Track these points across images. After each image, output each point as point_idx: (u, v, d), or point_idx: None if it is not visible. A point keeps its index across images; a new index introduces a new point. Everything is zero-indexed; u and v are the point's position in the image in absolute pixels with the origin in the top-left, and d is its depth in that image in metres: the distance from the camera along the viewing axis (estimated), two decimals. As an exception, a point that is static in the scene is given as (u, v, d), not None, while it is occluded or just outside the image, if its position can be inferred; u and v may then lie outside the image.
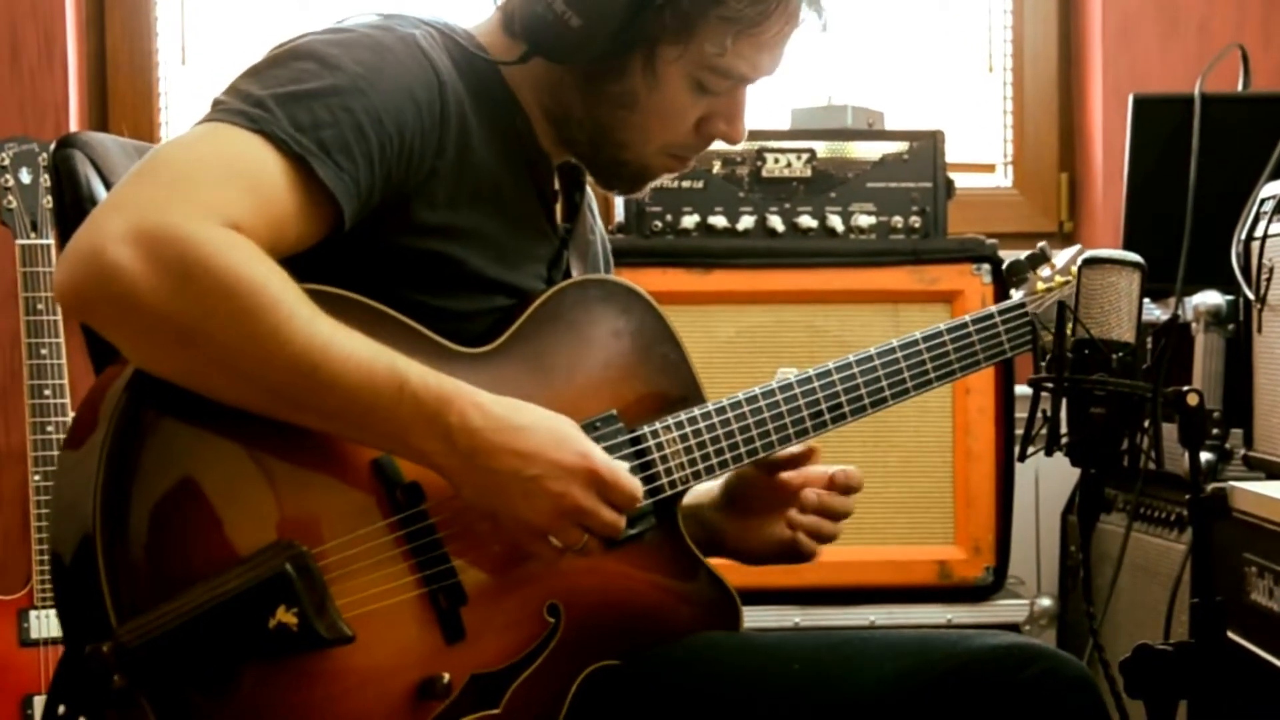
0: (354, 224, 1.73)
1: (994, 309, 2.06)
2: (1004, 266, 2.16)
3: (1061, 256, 2.13)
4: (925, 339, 2.01)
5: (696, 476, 1.91)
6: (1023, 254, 2.14)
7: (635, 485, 1.78)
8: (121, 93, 3.81)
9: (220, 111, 1.69)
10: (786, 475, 2.04)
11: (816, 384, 1.97)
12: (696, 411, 1.92)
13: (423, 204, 1.80)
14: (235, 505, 1.64)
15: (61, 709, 1.67)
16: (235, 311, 1.59)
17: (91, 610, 1.57)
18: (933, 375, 2.01)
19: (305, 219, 1.70)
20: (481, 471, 1.70)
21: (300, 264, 1.69)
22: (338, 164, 1.69)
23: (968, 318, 2.04)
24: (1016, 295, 2.09)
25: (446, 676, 1.71)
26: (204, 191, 1.62)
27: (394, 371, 1.65)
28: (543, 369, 1.87)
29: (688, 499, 1.98)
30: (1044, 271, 2.11)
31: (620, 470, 1.77)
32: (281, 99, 1.69)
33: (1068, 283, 2.07)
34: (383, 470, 1.72)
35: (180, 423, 1.63)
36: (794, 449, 2.00)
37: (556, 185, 2.00)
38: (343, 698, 1.65)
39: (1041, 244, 2.14)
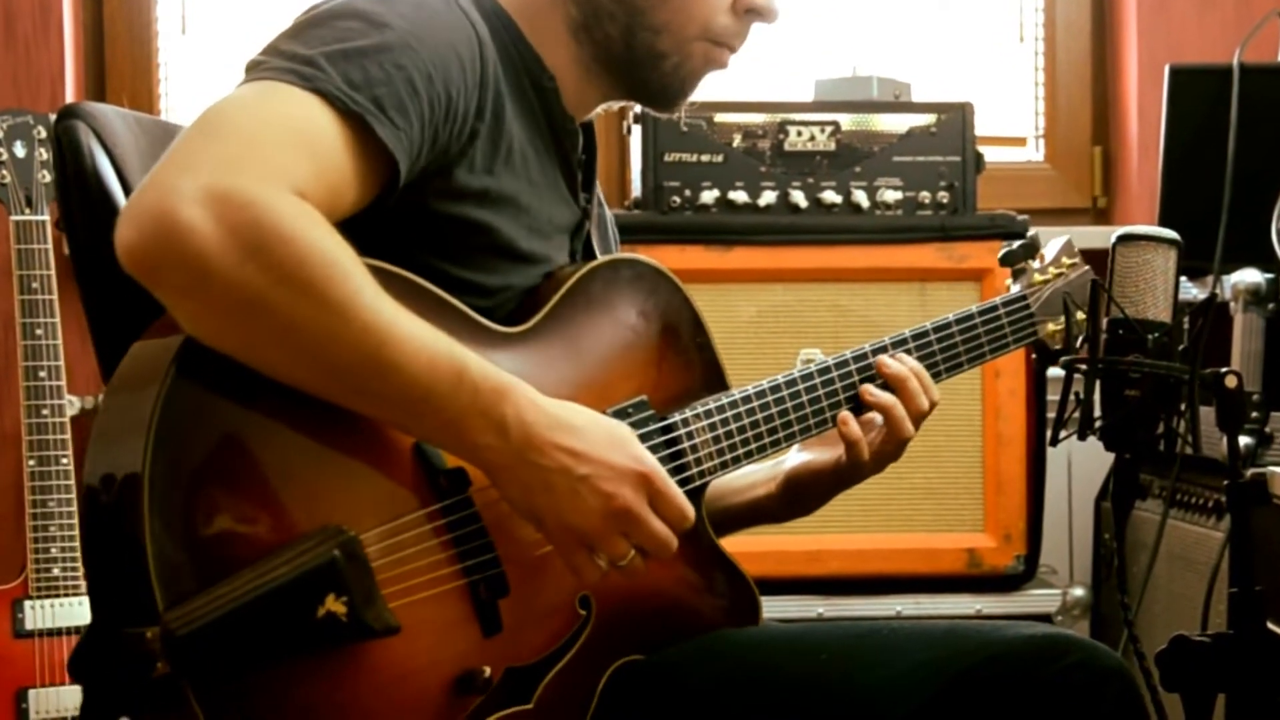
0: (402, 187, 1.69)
1: (997, 300, 2.09)
2: (999, 257, 2.17)
3: (1051, 248, 2.14)
4: (935, 329, 2.04)
5: (724, 466, 1.90)
6: (1015, 243, 2.15)
7: (688, 505, 1.73)
8: (120, 63, 3.79)
9: (267, 71, 1.64)
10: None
11: (835, 374, 1.97)
12: (724, 399, 1.91)
13: (464, 167, 1.77)
14: (280, 488, 1.59)
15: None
16: (306, 283, 1.54)
17: (134, 592, 1.52)
18: (942, 367, 2.04)
19: (361, 182, 1.66)
20: (530, 468, 1.65)
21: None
22: (394, 122, 1.65)
23: (973, 309, 2.06)
24: (1016, 288, 2.11)
25: (487, 670, 1.68)
26: (271, 155, 1.57)
27: (453, 358, 1.61)
28: (577, 351, 1.85)
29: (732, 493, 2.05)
30: (1035, 263, 2.13)
31: (675, 485, 1.73)
32: (332, 57, 1.64)
33: (1060, 276, 2.10)
34: (425, 456, 1.68)
35: (226, 402, 1.58)
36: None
37: (581, 152, 1.97)
38: (383, 690, 1.62)
39: (1032, 233, 2.13)
